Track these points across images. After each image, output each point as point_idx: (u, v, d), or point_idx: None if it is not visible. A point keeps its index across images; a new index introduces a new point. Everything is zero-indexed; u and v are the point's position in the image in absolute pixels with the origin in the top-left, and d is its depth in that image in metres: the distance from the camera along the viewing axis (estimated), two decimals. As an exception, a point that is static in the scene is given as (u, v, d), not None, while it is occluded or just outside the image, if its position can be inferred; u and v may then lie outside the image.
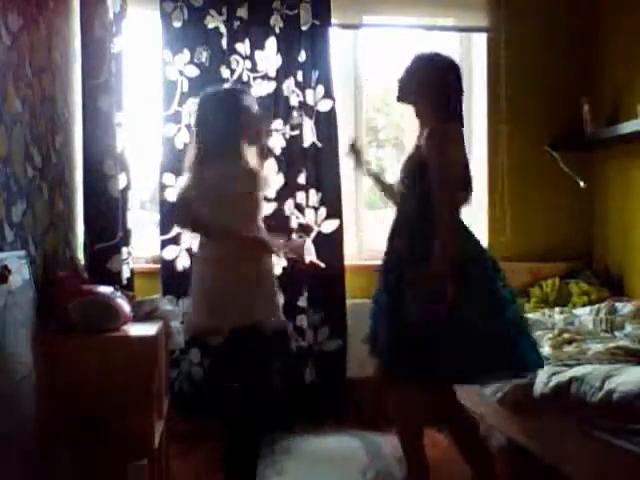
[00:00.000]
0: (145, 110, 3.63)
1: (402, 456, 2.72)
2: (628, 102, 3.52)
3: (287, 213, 3.56)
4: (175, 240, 3.51)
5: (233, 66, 3.53)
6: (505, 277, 2.45)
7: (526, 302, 3.75)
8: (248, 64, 3.55)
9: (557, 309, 3.50)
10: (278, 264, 3.48)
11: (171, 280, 3.50)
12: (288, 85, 3.57)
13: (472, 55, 4.05)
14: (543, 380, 2.52)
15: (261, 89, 3.55)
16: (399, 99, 2.51)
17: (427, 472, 2.52)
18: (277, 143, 3.56)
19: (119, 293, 2.47)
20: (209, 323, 2.47)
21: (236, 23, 3.52)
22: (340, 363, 3.63)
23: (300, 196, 3.59)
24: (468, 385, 2.70)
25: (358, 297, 3.66)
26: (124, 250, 3.20)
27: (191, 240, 3.49)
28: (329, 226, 3.62)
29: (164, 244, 3.51)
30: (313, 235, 3.62)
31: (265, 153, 2.79)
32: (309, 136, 3.59)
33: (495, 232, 3.90)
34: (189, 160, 2.53)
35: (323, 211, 3.62)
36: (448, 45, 4.06)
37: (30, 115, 2.27)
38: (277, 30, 3.56)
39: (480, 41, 3.98)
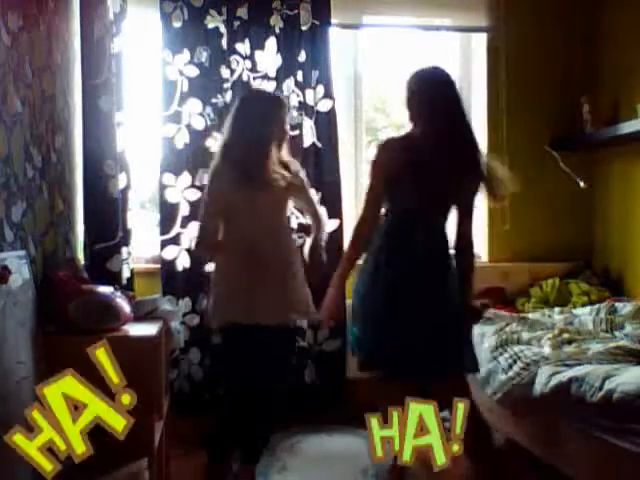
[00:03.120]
0: (145, 110, 3.63)
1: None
2: (628, 102, 3.52)
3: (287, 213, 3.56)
4: (175, 240, 3.51)
5: (233, 66, 3.53)
6: None
7: (526, 302, 3.75)
8: (248, 64, 3.55)
9: (557, 309, 3.50)
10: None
11: (171, 280, 3.50)
12: (288, 85, 3.57)
13: (472, 55, 4.05)
14: (543, 380, 2.52)
15: (261, 89, 3.56)
16: None
17: None
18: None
19: (119, 293, 2.47)
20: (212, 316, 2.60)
21: (236, 23, 3.53)
22: (340, 363, 3.63)
23: (300, 196, 3.59)
24: None
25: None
26: (124, 250, 3.20)
27: (190, 240, 3.50)
28: (329, 226, 3.62)
29: (164, 244, 3.51)
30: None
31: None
32: (309, 136, 3.59)
33: (495, 232, 3.91)
34: None
35: (323, 211, 3.62)
36: (448, 45, 4.07)
37: (30, 115, 2.27)
38: (277, 30, 3.56)
39: (480, 41, 3.98)
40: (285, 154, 2.68)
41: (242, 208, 2.53)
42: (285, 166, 2.65)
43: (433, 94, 2.39)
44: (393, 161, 2.32)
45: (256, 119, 2.55)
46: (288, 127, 2.74)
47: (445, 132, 2.33)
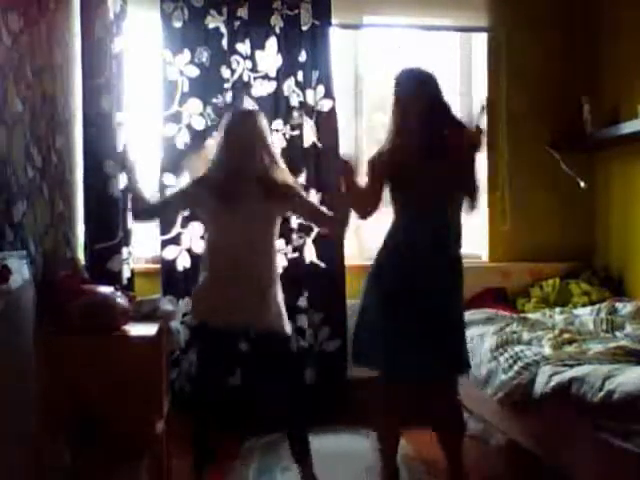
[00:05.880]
0: (145, 110, 3.62)
1: (405, 454, 2.74)
2: (629, 102, 3.52)
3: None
4: (175, 240, 3.51)
5: (234, 66, 3.54)
6: None
7: (526, 302, 3.75)
8: (248, 64, 3.55)
9: (557, 309, 3.50)
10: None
11: (171, 280, 3.50)
12: (288, 85, 3.57)
13: (472, 55, 4.05)
14: (543, 380, 2.52)
15: (261, 89, 3.56)
16: None
17: None
18: (277, 143, 3.56)
19: (119, 293, 2.47)
20: None
21: (236, 23, 3.53)
22: (340, 363, 3.63)
23: (300, 196, 3.59)
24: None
25: (358, 297, 3.65)
26: (124, 250, 3.19)
27: (191, 240, 3.50)
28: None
29: (164, 244, 3.51)
30: (313, 235, 3.62)
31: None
32: (309, 136, 3.59)
33: (495, 232, 3.91)
34: None
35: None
36: (448, 45, 4.07)
37: (31, 115, 2.27)
38: (277, 30, 3.56)
39: (480, 41, 3.99)
40: (274, 166, 2.67)
41: (224, 218, 2.61)
42: (272, 179, 2.63)
43: (404, 99, 2.50)
44: (387, 167, 2.49)
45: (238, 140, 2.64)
46: (269, 139, 2.73)
47: (420, 139, 2.44)
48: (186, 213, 3.29)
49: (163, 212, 2.92)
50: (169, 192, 2.83)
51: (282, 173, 2.68)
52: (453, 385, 2.62)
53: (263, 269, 2.63)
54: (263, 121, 2.73)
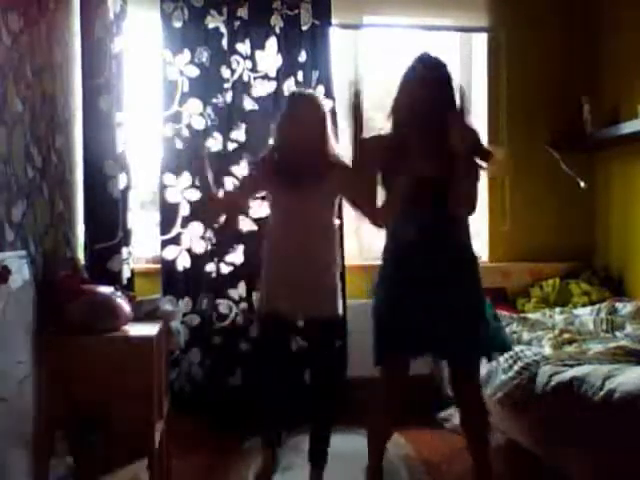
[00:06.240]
0: (145, 110, 3.62)
1: (405, 454, 2.72)
2: (629, 102, 3.52)
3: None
4: (175, 240, 3.51)
5: (234, 66, 3.54)
6: None
7: (526, 302, 3.75)
8: (248, 64, 3.55)
9: (557, 309, 3.50)
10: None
11: (171, 280, 3.51)
12: (289, 85, 3.57)
13: (472, 55, 4.05)
14: (543, 380, 2.52)
15: (261, 89, 3.56)
16: None
17: None
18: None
19: (119, 293, 2.47)
20: None
21: (236, 23, 3.53)
22: (340, 363, 3.62)
23: (300, 196, 3.58)
24: None
25: (358, 297, 3.66)
26: (124, 250, 3.19)
27: (191, 240, 3.50)
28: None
29: (164, 244, 3.51)
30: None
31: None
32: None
33: (495, 232, 3.91)
34: None
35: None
36: (448, 45, 4.07)
37: (30, 115, 2.27)
38: (277, 30, 3.56)
39: (480, 41, 3.99)
40: (332, 149, 2.73)
41: (286, 199, 2.67)
42: (331, 162, 2.69)
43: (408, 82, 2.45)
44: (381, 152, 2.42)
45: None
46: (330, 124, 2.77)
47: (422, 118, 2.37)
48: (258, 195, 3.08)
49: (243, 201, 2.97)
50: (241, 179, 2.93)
51: (341, 157, 2.72)
52: (472, 374, 2.46)
53: (323, 252, 2.68)
54: (324, 104, 2.81)
